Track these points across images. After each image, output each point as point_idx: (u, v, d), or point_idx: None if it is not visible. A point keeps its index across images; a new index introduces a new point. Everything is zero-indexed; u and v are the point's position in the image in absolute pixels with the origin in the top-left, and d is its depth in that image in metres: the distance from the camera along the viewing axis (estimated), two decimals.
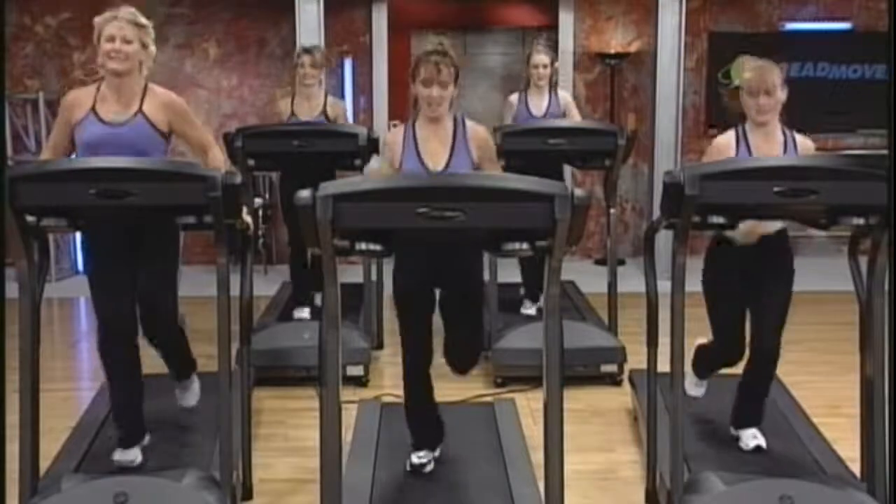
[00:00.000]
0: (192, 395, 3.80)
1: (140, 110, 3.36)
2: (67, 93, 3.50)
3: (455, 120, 3.32)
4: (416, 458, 3.44)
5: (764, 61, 3.44)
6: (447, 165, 3.26)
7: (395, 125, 3.42)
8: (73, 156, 3.42)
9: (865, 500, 2.94)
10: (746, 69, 3.44)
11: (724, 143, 3.49)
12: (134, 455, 3.47)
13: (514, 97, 5.65)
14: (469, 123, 3.34)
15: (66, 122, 3.38)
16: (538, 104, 5.56)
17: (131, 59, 3.32)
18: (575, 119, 5.62)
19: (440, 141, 3.28)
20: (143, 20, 3.38)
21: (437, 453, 3.50)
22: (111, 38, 3.29)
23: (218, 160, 3.52)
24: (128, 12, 3.35)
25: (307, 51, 5.52)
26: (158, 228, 3.36)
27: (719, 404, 3.85)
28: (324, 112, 5.49)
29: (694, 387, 3.84)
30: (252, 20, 7.73)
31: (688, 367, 3.67)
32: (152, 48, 3.43)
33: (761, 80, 3.36)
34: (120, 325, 3.39)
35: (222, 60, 7.79)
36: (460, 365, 3.52)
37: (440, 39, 3.32)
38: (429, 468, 3.44)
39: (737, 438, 3.65)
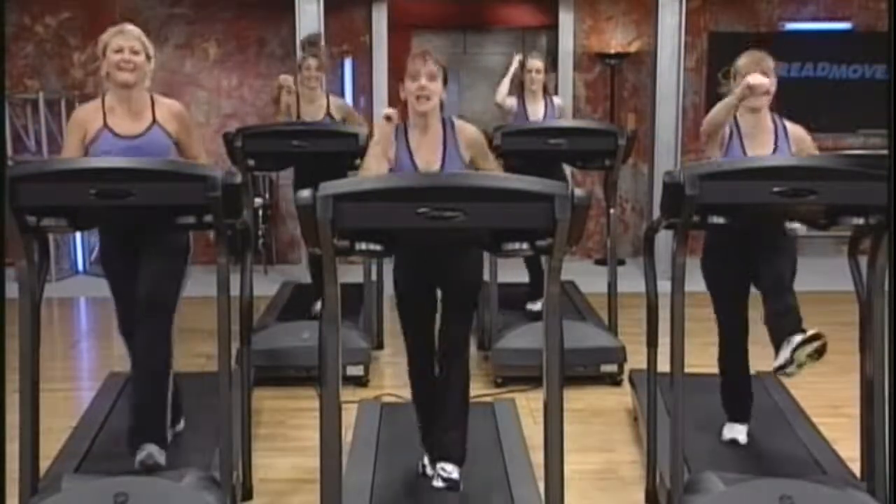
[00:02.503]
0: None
1: (154, 121, 3.43)
2: (73, 112, 3.53)
3: (444, 122, 3.32)
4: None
5: (757, 50, 3.53)
6: (441, 168, 3.25)
7: (388, 117, 3.35)
8: None
9: (865, 500, 2.94)
10: (741, 57, 3.51)
11: None
12: (156, 454, 3.34)
13: (512, 100, 5.63)
14: (457, 123, 3.34)
15: (78, 141, 3.39)
16: (535, 110, 5.58)
17: (139, 69, 3.39)
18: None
19: (430, 147, 3.28)
20: (144, 37, 3.46)
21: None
22: (119, 50, 3.36)
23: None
24: (133, 27, 3.44)
25: (313, 55, 5.47)
26: (167, 230, 3.38)
27: (719, 404, 3.85)
28: (328, 114, 5.45)
29: (729, 430, 3.73)
30: (252, 20, 7.73)
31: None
32: (153, 62, 3.49)
33: (756, 65, 3.43)
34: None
35: (222, 60, 7.79)
36: (449, 353, 3.36)
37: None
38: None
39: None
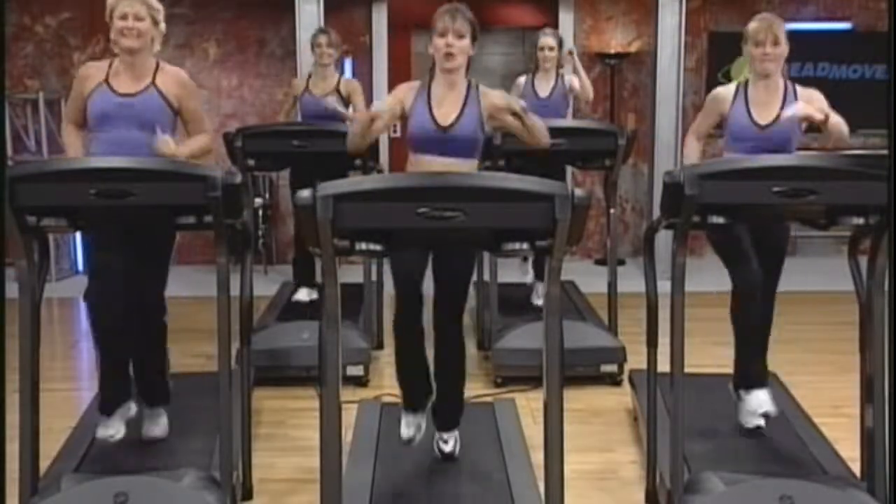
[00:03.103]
0: (159, 427, 3.66)
1: (153, 83, 3.45)
2: (81, 67, 3.58)
3: (469, 83, 3.35)
4: (405, 430, 3.45)
5: (769, 14, 3.60)
6: (456, 121, 3.26)
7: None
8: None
9: (865, 499, 2.94)
10: (752, 22, 3.57)
11: (723, 93, 3.65)
12: (116, 429, 3.47)
13: (522, 79, 5.71)
14: (482, 87, 3.37)
15: (79, 95, 3.47)
16: (544, 87, 5.61)
17: (143, 35, 3.40)
18: (586, 91, 5.76)
19: (452, 103, 3.30)
20: (154, 0, 3.46)
21: (423, 418, 3.49)
22: (124, 16, 3.37)
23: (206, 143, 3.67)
24: None
25: (323, 31, 5.77)
26: (157, 227, 3.38)
27: (719, 404, 3.86)
28: (336, 89, 5.66)
29: (750, 403, 3.70)
30: (252, 20, 7.74)
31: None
32: (162, 25, 3.50)
33: (769, 29, 3.49)
34: (111, 279, 3.38)
35: (222, 60, 7.79)
36: (445, 316, 3.39)
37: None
38: (417, 436, 3.46)
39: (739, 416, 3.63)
